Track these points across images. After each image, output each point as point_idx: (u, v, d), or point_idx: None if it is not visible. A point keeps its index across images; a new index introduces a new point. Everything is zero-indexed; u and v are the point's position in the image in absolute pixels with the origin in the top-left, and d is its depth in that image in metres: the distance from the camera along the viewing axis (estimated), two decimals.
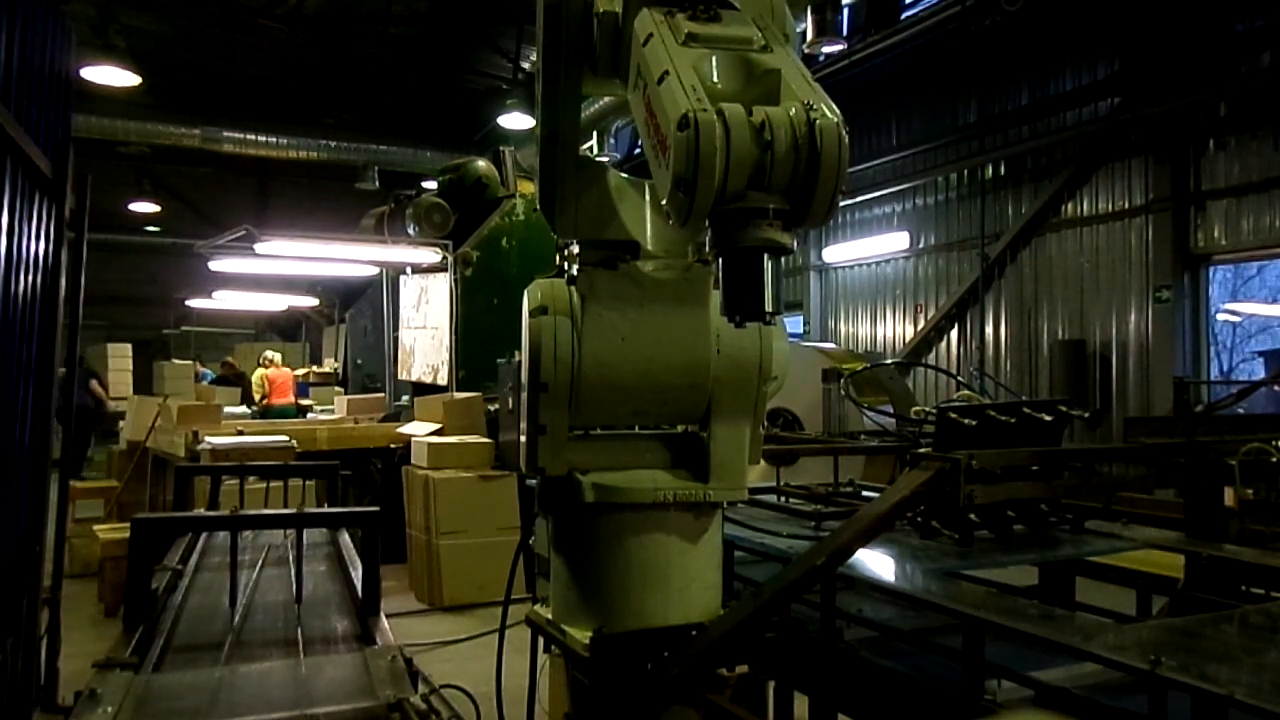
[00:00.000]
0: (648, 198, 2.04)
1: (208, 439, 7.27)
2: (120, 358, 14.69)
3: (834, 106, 1.38)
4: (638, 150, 18.27)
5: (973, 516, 2.34)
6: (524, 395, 2.03)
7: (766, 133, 1.33)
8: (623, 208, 1.99)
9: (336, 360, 14.17)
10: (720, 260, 1.46)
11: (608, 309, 1.93)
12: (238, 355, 17.64)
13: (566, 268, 2.07)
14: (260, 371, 13.63)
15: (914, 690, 1.89)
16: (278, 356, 13.94)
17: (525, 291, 2.01)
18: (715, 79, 1.47)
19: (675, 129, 1.33)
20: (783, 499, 3.16)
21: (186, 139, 15.96)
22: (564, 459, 1.98)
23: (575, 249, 2.08)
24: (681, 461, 2.09)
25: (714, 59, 1.51)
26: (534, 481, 2.17)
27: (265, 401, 13.05)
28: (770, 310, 1.44)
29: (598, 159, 2.13)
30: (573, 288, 1.95)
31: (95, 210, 4.62)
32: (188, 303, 18.69)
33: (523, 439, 2.05)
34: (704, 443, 2.06)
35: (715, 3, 1.64)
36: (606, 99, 9.44)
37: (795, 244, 1.42)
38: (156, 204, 21.83)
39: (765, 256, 1.41)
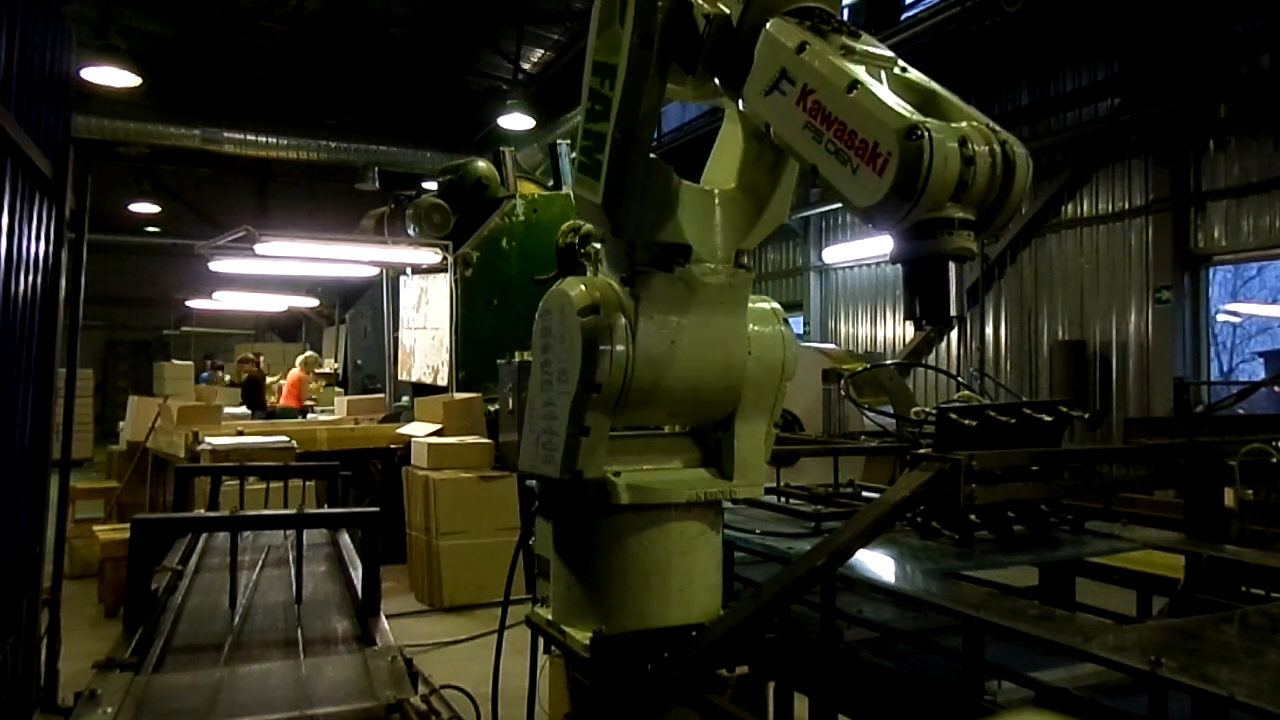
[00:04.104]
0: (704, 202, 2.02)
1: (208, 440, 7.26)
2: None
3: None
4: None
5: (973, 517, 2.34)
6: (544, 395, 2.01)
7: (969, 149, 1.43)
8: (680, 211, 1.99)
9: (336, 361, 14.14)
10: (907, 266, 1.53)
11: (661, 312, 1.94)
12: (236, 355, 17.47)
13: (594, 269, 2.07)
14: (293, 372, 13.47)
15: (914, 691, 1.89)
16: (307, 357, 13.81)
17: (560, 287, 1.98)
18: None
19: (902, 137, 1.40)
20: (783, 499, 3.16)
21: (186, 140, 15.95)
22: (601, 462, 1.97)
23: (596, 247, 2.08)
24: (703, 460, 2.13)
25: (882, 74, 1.58)
26: (534, 482, 2.17)
27: (274, 403, 13.06)
28: (955, 314, 1.52)
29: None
30: (619, 287, 1.95)
31: (95, 211, 4.61)
32: (188, 303, 18.68)
33: (537, 436, 2.04)
34: (721, 441, 2.09)
35: (842, 20, 1.70)
36: None
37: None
38: (156, 205, 21.84)
39: (951, 263, 1.50)
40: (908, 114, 1.43)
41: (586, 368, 1.88)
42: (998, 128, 1.49)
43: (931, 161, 1.39)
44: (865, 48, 1.64)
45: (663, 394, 1.97)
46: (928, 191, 1.41)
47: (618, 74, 1.85)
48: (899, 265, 1.56)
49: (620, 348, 1.89)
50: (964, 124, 1.47)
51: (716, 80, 1.86)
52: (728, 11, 1.79)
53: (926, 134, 1.39)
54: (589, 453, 1.94)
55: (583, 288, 1.94)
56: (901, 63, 1.65)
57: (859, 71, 1.53)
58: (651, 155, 1.96)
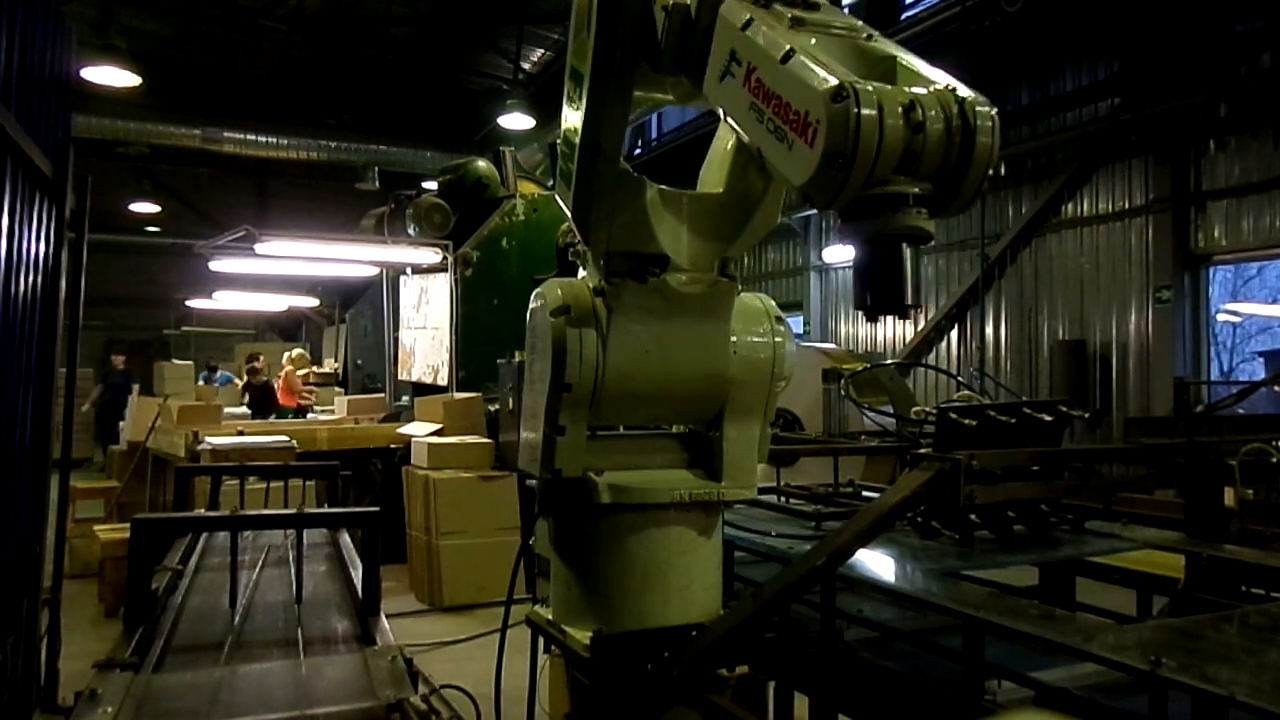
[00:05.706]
0: (681, 210, 1.99)
1: (208, 439, 7.27)
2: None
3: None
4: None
5: (973, 517, 2.34)
6: (531, 395, 2.02)
7: (917, 114, 1.29)
8: (656, 221, 1.94)
9: (337, 360, 14.13)
10: (856, 250, 1.42)
11: (634, 322, 1.92)
12: (236, 356, 17.39)
13: (584, 269, 2.05)
14: (288, 370, 13.48)
15: (914, 690, 1.89)
16: (295, 354, 13.77)
17: (539, 290, 1.99)
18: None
19: (829, 100, 1.27)
20: (783, 499, 3.16)
21: (186, 139, 15.94)
22: (580, 461, 1.97)
23: (587, 249, 2.06)
24: (692, 461, 2.11)
25: (829, 44, 1.45)
26: (534, 482, 2.17)
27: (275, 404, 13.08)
28: (911, 303, 1.39)
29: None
30: (594, 292, 1.93)
31: (95, 211, 4.61)
32: (188, 303, 18.65)
33: (529, 436, 2.04)
34: (713, 442, 2.08)
35: None
36: None
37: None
38: (157, 204, 21.83)
39: (904, 245, 1.36)
40: (841, 75, 1.30)
41: (556, 368, 1.89)
42: (962, 87, 1.35)
43: (859, 123, 1.25)
44: (822, 17, 1.54)
45: (638, 398, 1.97)
46: (859, 159, 1.27)
47: (584, 85, 1.82)
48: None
49: (590, 350, 1.88)
50: (921, 90, 1.33)
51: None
52: (687, 1, 1.69)
53: (853, 93, 1.26)
54: (566, 452, 1.94)
55: (559, 290, 1.93)
56: (870, 32, 1.54)
57: (804, 41, 1.41)
58: (626, 166, 1.93)
